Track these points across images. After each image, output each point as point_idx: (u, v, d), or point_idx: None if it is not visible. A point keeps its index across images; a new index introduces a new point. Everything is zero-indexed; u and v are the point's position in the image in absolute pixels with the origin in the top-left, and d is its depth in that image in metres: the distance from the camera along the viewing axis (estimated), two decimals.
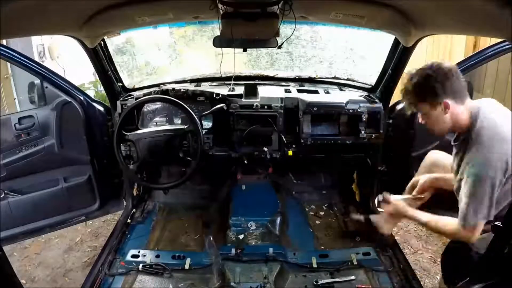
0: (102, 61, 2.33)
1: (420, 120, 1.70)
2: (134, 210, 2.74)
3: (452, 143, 1.70)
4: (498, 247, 1.31)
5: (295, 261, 2.11)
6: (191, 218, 2.76)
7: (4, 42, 3.26)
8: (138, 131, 2.28)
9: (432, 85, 1.54)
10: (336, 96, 2.57)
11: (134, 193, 2.76)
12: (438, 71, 1.54)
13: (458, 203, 1.59)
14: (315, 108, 2.41)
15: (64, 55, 5.05)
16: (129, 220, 2.63)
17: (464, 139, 1.60)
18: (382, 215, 2.07)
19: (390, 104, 2.53)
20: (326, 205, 2.94)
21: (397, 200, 1.94)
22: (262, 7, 1.69)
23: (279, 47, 2.09)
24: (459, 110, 1.57)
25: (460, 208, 1.57)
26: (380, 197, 2.08)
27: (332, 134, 2.49)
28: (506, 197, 1.54)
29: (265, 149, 2.44)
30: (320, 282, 1.94)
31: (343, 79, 2.93)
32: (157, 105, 2.55)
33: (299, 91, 2.61)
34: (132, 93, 2.64)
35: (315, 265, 2.07)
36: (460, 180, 1.58)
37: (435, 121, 1.62)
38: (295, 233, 2.51)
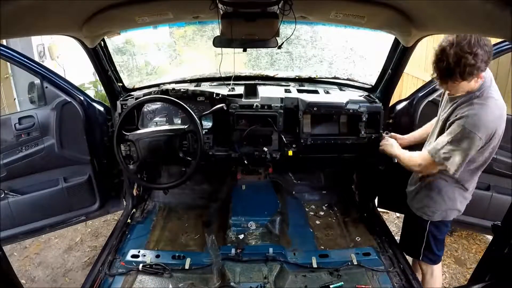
0: (102, 61, 2.33)
1: (447, 92, 1.82)
2: (134, 210, 2.74)
3: (448, 95, 1.83)
4: (498, 247, 1.32)
5: (295, 261, 2.11)
6: (191, 218, 2.76)
7: (4, 42, 3.26)
8: (138, 131, 2.28)
9: (477, 65, 1.57)
10: (336, 96, 2.57)
11: (134, 193, 2.76)
12: (485, 48, 1.57)
13: (433, 137, 1.85)
14: (315, 108, 2.41)
15: (64, 55, 5.05)
16: (129, 220, 2.63)
17: (467, 96, 1.71)
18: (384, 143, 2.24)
19: (390, 104, 2.54)
20: (326, 205, 2.94)
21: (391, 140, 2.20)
22: (262, 7, 1.69)
23: (279, 47, 2.09)
24: (482, 79, 1.68)
25: (437, 143, 1.76)
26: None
27: (332, 134, 2.49)
28: (477, 162, 1.77)
29: (265, 149, 2.44)
30: (320, 282, 1.94)
31: (343, 79, 2.93)
32: (157, 105, 2.55)
33: (299, 91, 2.61)
34: (132, 93, 2.64)
35: (315, 265, 2.07)
36: (447, 122, 1.75)
37: (461, 88, 1.70)
38: (295, 233, 2.51)
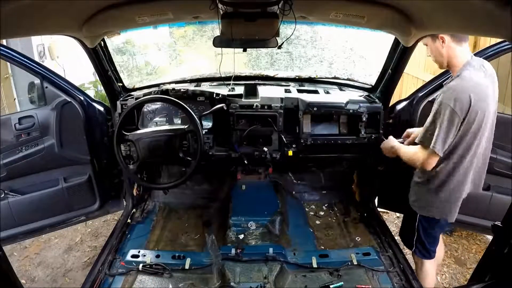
0: (102, 61, 2.32)
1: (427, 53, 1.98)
2: (134, 210, 2.74)
3: (444, 84, 1.91)
4: (498, 247, 1.32)
5: (295, 261, 2.11)
6: (191, 218, 2.76)
7: (4, 42, 3.26)
8: (138, 131, 2.28)
9: None
10: (336, 96, 2.57)
11: (134, 193, 2.76)
12: None
13: (424, 127, 1.85)
14: (315, 108, 2.41)
15: (64, 55, 5.04)
16: (129, 220, 2.63)
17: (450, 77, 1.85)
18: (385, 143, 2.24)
19: (390, 104, 2.54)
20: (326, 205, 2.94)
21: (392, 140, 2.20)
22: (262, 7, 1.69)
23: (279, 47, 2.09)
24: (454, 48, 1.82)
25: (423, 128, 1.85)
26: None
27: (332, 134, 2.49)
28: (460, 149, 1.83)
29: (265, 149, 2.44)
30: (320, 282, 1.94)
31: (343, 79, 2.93)
32: (157, 105, 2.55)
33: (299, 91, 2.61)
34: (132, 93, 2.64)
35: (315, 265, 2.07)
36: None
37: (434, 52, 1.88)
38: (295, 233, 2.51)
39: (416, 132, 2.17)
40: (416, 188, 2.04)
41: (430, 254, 2.09)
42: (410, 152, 1.95)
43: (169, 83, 2.78)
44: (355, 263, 2.08)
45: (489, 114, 1.81)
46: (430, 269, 2.14)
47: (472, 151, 1.85)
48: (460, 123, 1.75)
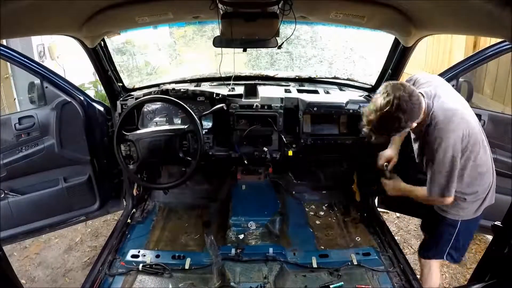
0: (102, 61, 2.32)
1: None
2: (134, 210, 2.74)
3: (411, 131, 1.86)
4: (498, 247, 1.32)
5: (295, 261, 2.11)
6: (191, 218, 2.76)
7: (4, 42, 3.26)
8: (138, 131, 2.28)
9: (401, 124, 1.65)
10: (336, 96, 2.57)
11: (134, 193, 2.76)
12: (401, 107, 1.62)
13: (429, 175, 1.79)
14: (315, 108, 2.41)
15: (64, 55, 5.04)
16: (129, 220, 2.63)
17: (423, 126, 1.77)
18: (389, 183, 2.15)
19: None
20: (326, 205, 2.94)
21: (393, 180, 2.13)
22: (262, 7, 1.69)
23: (279, 47, 2.09)
24: (421, 117, 1.72)
25: (436, 181, 1.77)
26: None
27: (332, 134, 2.49)
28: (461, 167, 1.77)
29: (265, 149, 2.44)
30: (320, 282, 1.94)
31: (343, 79, 2.93)
32: (157, 105, 2.55)
33: (299, 91, 2.61)
34: (132, 93, 2.64)
35: (315, 265, 2.07)
36: (427, 160, 1.78)
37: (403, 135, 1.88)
38: (295, 233, 2.50)
39: (390, 154, 2.18)
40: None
41: (463, 255, 2.08)
42: (422, 194, 1.87)
43: (169, 83, 2.78)
44: (355, 263, 2.08)
45: (470, 120, 1.78)
46: (438, 268, 2.13)
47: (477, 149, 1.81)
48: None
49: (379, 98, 1.66)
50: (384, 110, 1.62)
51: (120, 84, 2.58)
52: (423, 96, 1.74)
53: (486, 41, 3.22)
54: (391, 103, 1.61)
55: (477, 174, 1.85)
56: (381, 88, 1.70)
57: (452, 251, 2.01)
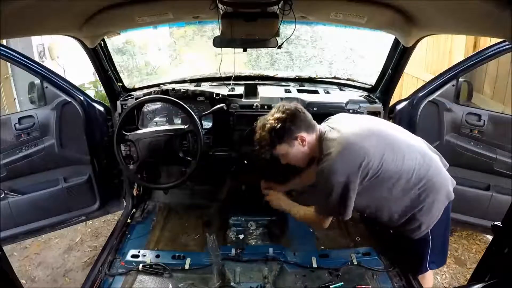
0: (102, 61, 2.32)
1: (282, 162, 1.90)
2: (134, 210, 2.73)
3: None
4: (498, 247, 1.32)
5: (295, 261, 2.10)
6: (191, 218, 2.76)
7: (4, 42, 3.26)
8: (138, 131, 2.28)
9: (286, 126, 1.73)
10: (336, 96, 2.57)
11: (134, 193, 2.75)
12: (286, 112, 1.74)
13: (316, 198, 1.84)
14: (315, 108, 2.41)
15: (64, 55, 5.05)
16: (129, 220, 2.63)
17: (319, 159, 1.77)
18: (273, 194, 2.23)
19: (390, 104, 2.53)
20: None
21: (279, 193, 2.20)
22: (262, 7, 1.69)
23: (279, 47, 2.09)
24: (312, 138, 1.78)
25: (320, 206, 1.80)
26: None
27: None
28: (370, 190, 1.71)
29: None
30: (320, 282, 1.94)
31: (343, 79, 2.93)
32: (157, 105, 2.55)
33: (299, 91, 2.61)
34: (132, 93, 2.64)
35: (315, 265, 2.06)
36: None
37: (296, 156, 1.83)
38: (295, 233, 2.50)
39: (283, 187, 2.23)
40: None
41: (446, 256, 2.06)
42: (310, 216, 1.89)
43: (169, 83, 2.78)
44: (355, 263, 2.07)
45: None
46: (431, 273, 2.13)
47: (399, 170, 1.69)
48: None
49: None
50: (276, 117, 1.73)
51: (120, 84, 2.58)
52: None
53: (486, 41, 3.22)
54: (282, 112, 1.74)
55: (401, 193, 1.74)
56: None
57: (434, 259, 1.95)
